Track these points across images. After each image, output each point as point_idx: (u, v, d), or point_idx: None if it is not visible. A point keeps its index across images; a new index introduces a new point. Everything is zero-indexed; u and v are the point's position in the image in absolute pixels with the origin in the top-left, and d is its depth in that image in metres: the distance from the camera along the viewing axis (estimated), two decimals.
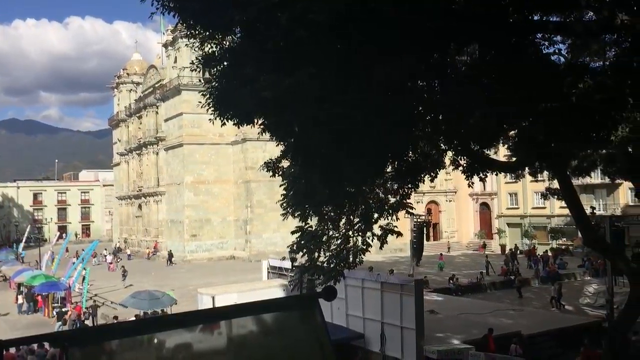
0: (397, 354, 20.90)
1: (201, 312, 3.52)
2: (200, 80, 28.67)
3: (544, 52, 11.93)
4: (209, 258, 58.75)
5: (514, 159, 22.27)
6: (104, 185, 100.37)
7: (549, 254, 47.97)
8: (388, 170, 15.91)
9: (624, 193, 50.52)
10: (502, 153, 26.75)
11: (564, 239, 54.62)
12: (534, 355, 21.40)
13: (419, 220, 32.31)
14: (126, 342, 3.01)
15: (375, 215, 16.60)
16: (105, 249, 64.00)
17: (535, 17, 11.76)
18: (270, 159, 14.93)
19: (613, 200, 52.48)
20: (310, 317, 3.36)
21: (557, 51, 12.43)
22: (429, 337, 20.73)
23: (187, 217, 59.64)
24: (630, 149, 18.82)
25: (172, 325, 3.12)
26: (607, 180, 38.56)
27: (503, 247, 55.09)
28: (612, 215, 41.97)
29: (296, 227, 17.80)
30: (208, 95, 11.90)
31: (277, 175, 15.02)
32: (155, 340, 3.13)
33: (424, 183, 16.87)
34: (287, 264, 29.11)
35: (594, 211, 43.37)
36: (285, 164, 15.28)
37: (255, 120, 12.24)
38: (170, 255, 57.14)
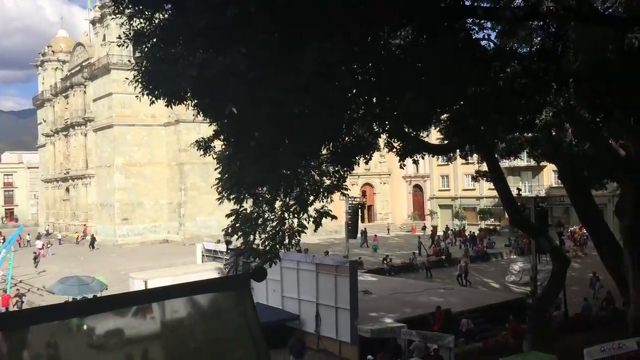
0: (331, 334, 21.19)
1: (127, 295, 3.40)
2: (130, 60, 27.75)
3: (474, 37, 12.22)
4: (141, 242, 57.49)
5: (446, 141, 22.85)
6: (28, 168, 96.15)
7: (475, 234, 49.68)
8: (323, 152, 15.98)
9: (548, 175, 52.89)
10: (435, 136, 27.38)
11: (492, 219, 56.73)
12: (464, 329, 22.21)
13: (353, 202, 32.70)
14: (53, 327, 2.88)
15: (311, 198, 16.67)
16: (29, 234, 61.39)
17: (467, 2, 12.01)
18: (202, 138, 14.68)
19: (538, 182, 54.86)
20: (240, 299, 3.31)
21: (486, 36, 12.75)
22: (362, 316, 21.12)
23: (118, 201, 58.04)
24: (553, 133, 19.63)
25: (97, 308, 3.01)
26: (532, 162, 40.24)
27: (435, 228, 56.61)
28: (537, 197, 43.91)
29: (231, 210, 17.65)
30: (136, 73, 11.53)
31: (208, 154, 14.80)
32: (85, 327, 3.03)
33: (358, 165, 17.04)
34: (223, 247, 28.91)
35: (520, 193, 45.23)
36: (217, 144, 15.07)
37: (187, 101, 11.97)
38: (93, 239, 55.56)
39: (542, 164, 41.36)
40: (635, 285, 21.15)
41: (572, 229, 46.36)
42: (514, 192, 28.58)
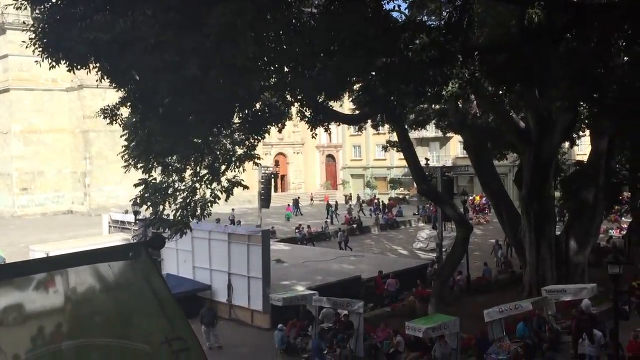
0: (243, 303, 21.22)
1: (19, 263, 3.20)
2: (24, 22, 25.95)
3: (385, 7, 12.32)
4: (42, 213, 54.71)
5: (357, 111, 23.13)
6: None
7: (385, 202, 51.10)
8: (235, 120, 15.73)
9: (454, 146, 54.99)
10: (348, 106, 27.63)
11: (402, 188, 58.46)
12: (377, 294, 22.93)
13: (266, 172, 32.59)
14: None
15: (223, 167, 16.44)
16: None
17: None
18: (108, 106, 14.02)
19: (445, 152, 56.96)
20: (142, 268, 3.19)
21: (397, 7, 12.89)
22: (275, 285, 21.26)
23: (16, 170, 54.73)
24: (460, 105, 20.32)
25: None
26: (440, 134, 41.62)
27: (347, 197, 57.61)
28: (444, 166, 45.56)
29: (140, 179, 17.08)
30: (34, 35, 10.78)
31: (114, 122, 14.18)
32: None
33: (269, 134, 16.92)
34: (131, 218, 28.05)
35: (428, 162, 46.84)
36: (125, 111, 14.48)
37: (90, 65, 11.36)
38: None
39: (449, 134, 42.99)
40: (530, 250, 22.59)
41: (472, 197, 48.58)
42: (422, 162, 29.55)
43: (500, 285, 24.73)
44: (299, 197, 52.53)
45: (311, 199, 59.07)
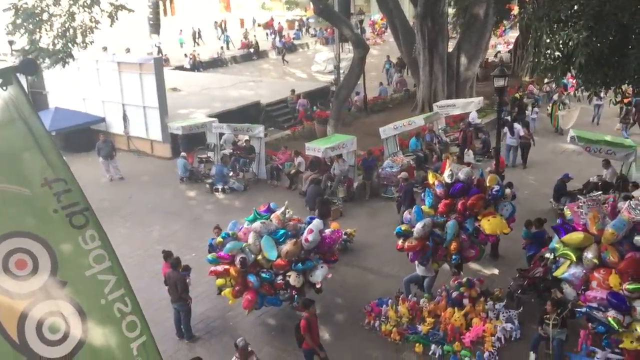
0: (142, 133, 20.79)
1: None
2: None
3: None
4: None
5: None
6: None
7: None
8: None
9: None
10: None
11: (299, 9, 56.62)
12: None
13: None
14: None
15: None
16: None
17: None
18: None
19: None
20: (10, 97, 2.88)
21: None
22: (173, 114, 20.82)
23: None
24: None
25: None
26: None
27: (242, 20, 55.20)
28: None
29: (9, 4, 15.43)
30: None
31: None
32: None
33: None
34: (6, 48, 25.65)
35: None
36: None
37: None
38: None
39: None
40: (424, 67, 23.23)
41: (373, 18, 48.10)
42: None
43: (395, 104, 25.64)
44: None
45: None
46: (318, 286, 10.01)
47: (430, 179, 10.92)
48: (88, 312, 3.01)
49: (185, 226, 14.96)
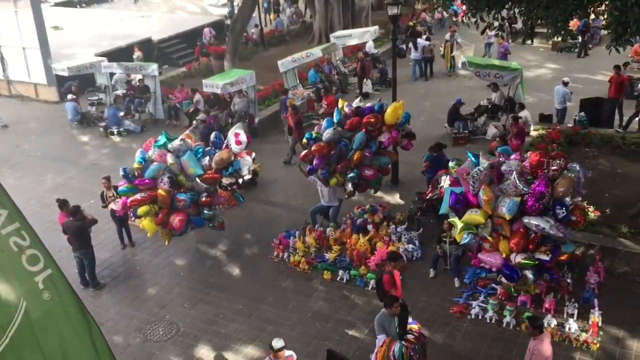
0: (24, 77, 19.37)
1: None
2: None
3: None
4: None
5: None
6: None
7: None
8: None
9: None
10: None
11: None
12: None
13: None
14: None
15: None
16: None
17: None
18: None
19: None
20: None
21: None
22: (57, 54, 19.46)
23: None
24: None
25: None
26: None
27: None
28: None
29: None
30: None
31: None
32: None
33: None
34: None
35: None
36: None
37: None
38: None
39: None
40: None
41: None
42: None
43: (292, 36, 25.28)
44: None
45: None
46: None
47: (340, 103, 11.06)
48: None
49: (81, 173, 14.30)
